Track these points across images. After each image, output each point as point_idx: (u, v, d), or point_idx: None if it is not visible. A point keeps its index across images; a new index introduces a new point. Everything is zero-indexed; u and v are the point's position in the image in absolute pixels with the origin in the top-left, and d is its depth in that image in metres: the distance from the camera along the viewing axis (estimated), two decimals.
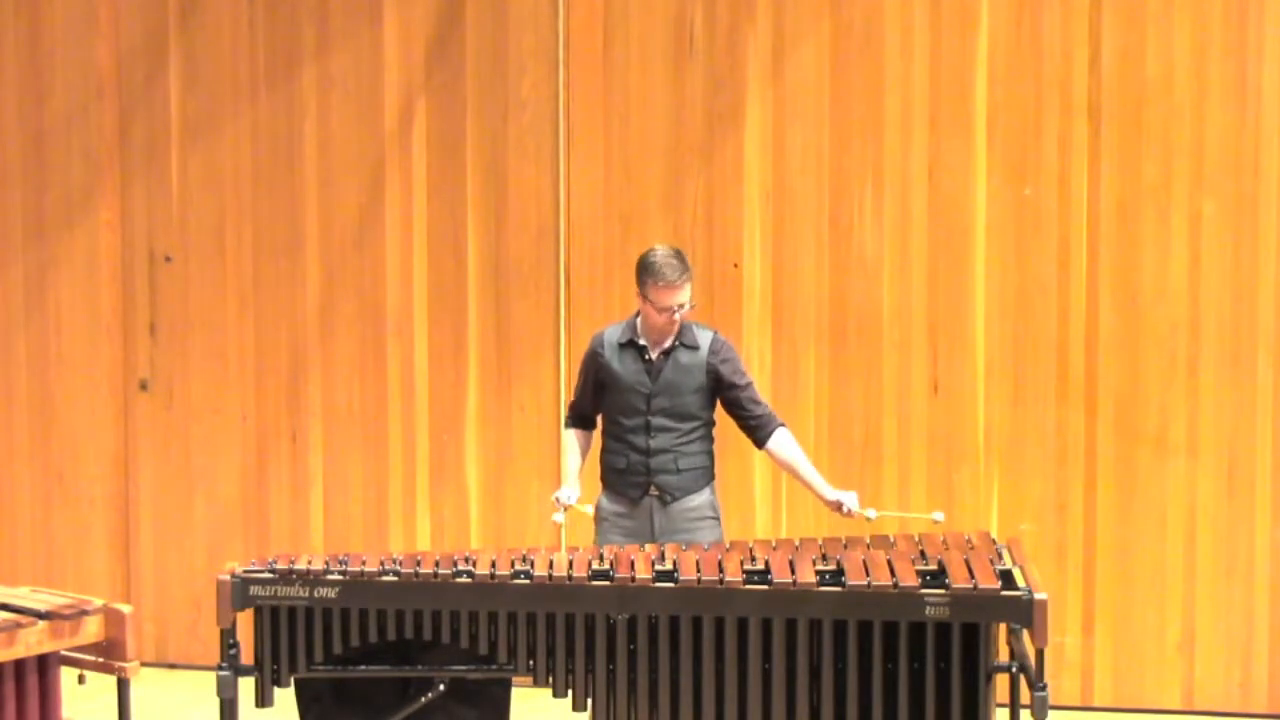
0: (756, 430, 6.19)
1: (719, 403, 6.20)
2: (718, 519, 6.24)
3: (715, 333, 6.24)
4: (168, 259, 8.00)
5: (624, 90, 7.55)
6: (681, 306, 6.07)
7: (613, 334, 6.22)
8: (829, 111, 7.38)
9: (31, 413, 8.17)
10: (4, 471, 8.22)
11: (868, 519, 6.06)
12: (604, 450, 6.25)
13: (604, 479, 6.24)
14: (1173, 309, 7.18)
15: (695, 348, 6.15)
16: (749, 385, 6.21)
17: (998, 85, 7.25)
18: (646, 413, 6.13)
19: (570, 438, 6.34)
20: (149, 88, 7.97)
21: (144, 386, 8.05)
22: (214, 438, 7.99)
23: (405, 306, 7.77)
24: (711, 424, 6.23)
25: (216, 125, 7.91)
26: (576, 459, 6.30)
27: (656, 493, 6.14)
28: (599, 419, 6.32)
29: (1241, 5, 7.06)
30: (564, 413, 6.64)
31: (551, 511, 6.17)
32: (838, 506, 6.10)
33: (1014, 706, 5.78)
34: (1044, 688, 5.34)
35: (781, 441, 6.19)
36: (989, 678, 5.37)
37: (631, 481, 6.15)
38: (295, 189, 7.85)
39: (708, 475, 6.21)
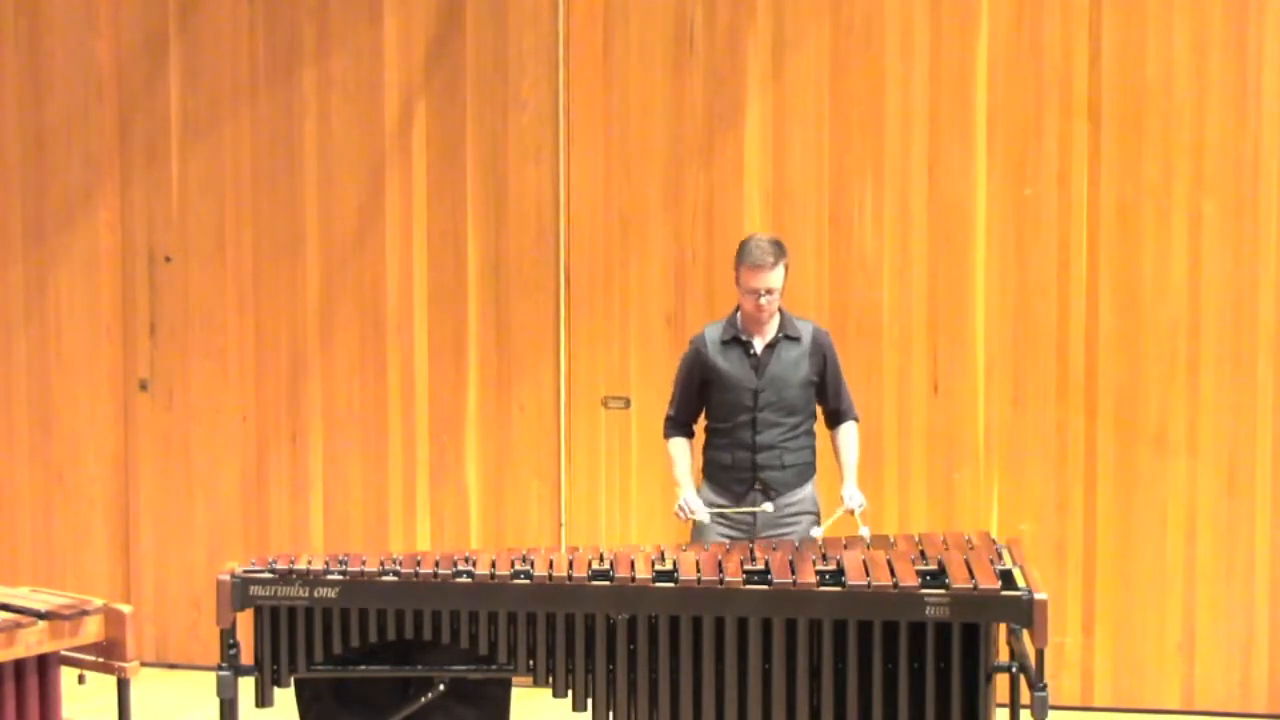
0: (833, 416, 6.27)
1: None
2: (818, 514, 6.23)
3: (815, 324, 6.27)
4: (168, 259, 8.00)
5: (624, 90, 7.55)
6: (770, 292, 6.06)
7: (713, 332, 6.22)
8: (829, 111, 7.38)
9: (31, 413, 8.17)
10: (4, 471, 8.21)
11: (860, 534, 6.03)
12: (708, 446, 6.23)
13: (707, 473, 6.23)
14: (1173, 309, 7.18)
15: (798, 339, 6.16)
16: (841, 378, 6.27)
17: (998, 85, 7.25)
18: (754, 409, 6.12)
19: (676, 446, 6.24)
20: (149, 88, 7.97)
21: (144, 387, 8.05)
22: (214, 438, 7.99)
23: (405, 306, 7.77)
24: (814, 418, 6.23)
25: (216, 125, 7.91)
26: (687, 466, 6.22)
27: (761, 488, 6.13)
28: (701, 419, 6.28)
29: (1241, 5, 7.06)
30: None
31: (685, 519, 6.11)
32: (847, 501, 6.12)
33: (1014, 706, 5.78)
34: (1044, 688, 5.34)
35: (844, 431, 6.28)
36: (989, 678, 5.37)
37: (737, 477, 6.14)
38: (295, 189, 7.85)
39: (811, 469, 6.23)
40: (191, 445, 8.02)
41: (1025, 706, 5.46)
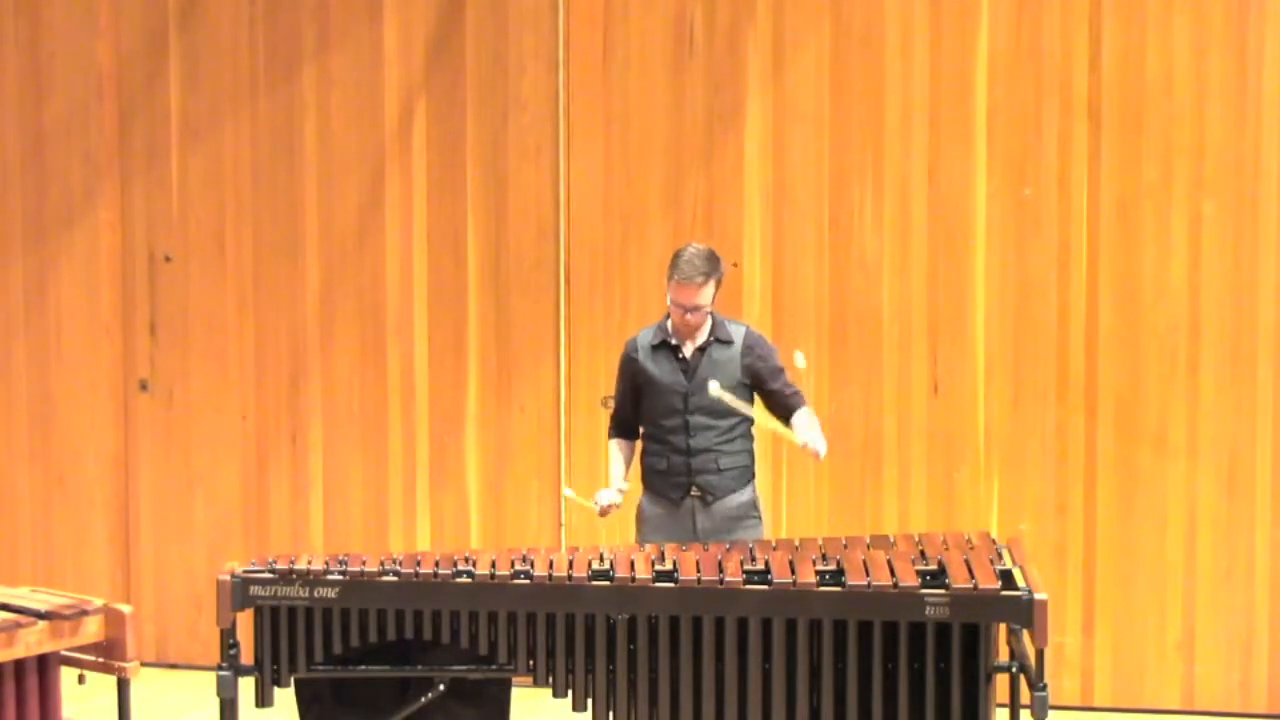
0: (783, 415, 6.20)
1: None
2: (760, 517, 6.21)
3: (748, 327, 6.24)
4: (168, 259, 8.00)
5: (624, 90, 7.55)
6: (696, 309, 6.05)
7: (645, 336, 6.22)
8: (829, 111, 7.38)
9: (31, 413, 8.17)
10: (4, 471, 8.21)
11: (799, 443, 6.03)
12: (645, 453, 6.24)
13: (645, 481, 6.23)
14: (1173, 309, 7.18)
15: (730, 343, 6.13)
16: (782, 375, 6.20)
17: (998, 85, 7.25)
18: (684, 412, 6.11)
19: (613, 446, 6.32)
20: (149, 88, 7.97)
21: (144, 386, 8.05)
22: (214, 438, 7.99)
23: (405, 306, 7.77)
24: (751, 421, 6.19)
25: (216, 125, 7.92)
26: (621, 465, 6.27)
27: (698, 493, 6.12)
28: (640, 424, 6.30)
29: (1241, 5, 7.06)
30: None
31: (582, 497, 6.20)
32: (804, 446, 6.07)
33: (1014, 706, 5.78)
34: (1044, 688, 5.33)
35: (796, 417, 6.17)
36: (989, 678, 5.37)
37: (673, 483, 6.13)
38: (295, 189, 7.85)
39: (749, 473, 6.19)
40: (191, 445, 8.02)
41: (1025, 706, 5.46)
